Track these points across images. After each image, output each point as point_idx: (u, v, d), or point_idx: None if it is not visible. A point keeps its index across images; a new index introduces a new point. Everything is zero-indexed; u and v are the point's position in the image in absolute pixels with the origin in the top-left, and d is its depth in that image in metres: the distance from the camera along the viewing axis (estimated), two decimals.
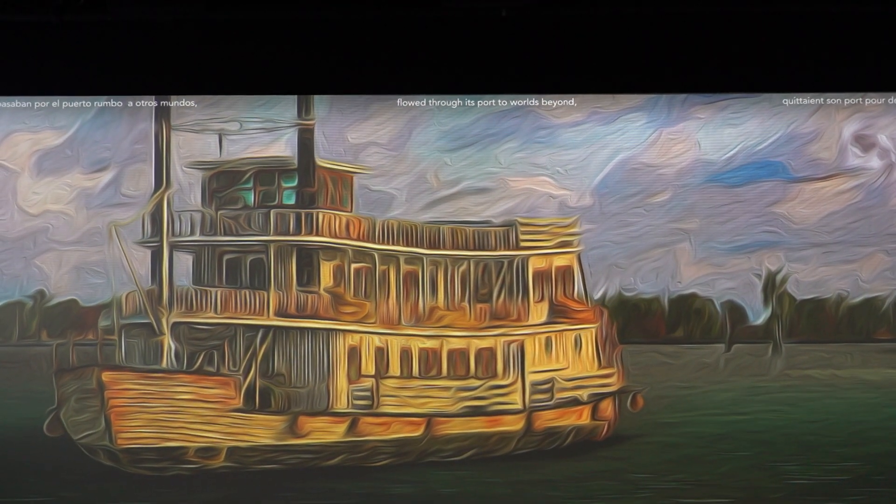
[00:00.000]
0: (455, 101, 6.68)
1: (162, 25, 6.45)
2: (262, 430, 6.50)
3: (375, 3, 6.27)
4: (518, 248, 6.81)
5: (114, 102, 6.65)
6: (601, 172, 6.70)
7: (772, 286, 6.60)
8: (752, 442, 6.54)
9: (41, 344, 6.58)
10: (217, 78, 6.56)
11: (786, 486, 6.46)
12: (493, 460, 6.63)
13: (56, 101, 6.64)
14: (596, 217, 6.68)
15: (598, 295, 6.69)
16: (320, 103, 6.65)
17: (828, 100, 6.62)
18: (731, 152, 6.65)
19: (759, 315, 6.61)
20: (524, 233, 6.79)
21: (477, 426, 6.67)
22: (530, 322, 6.84)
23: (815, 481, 6.46)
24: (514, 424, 6.71)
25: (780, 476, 6.48)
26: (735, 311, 6.62)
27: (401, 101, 6.67)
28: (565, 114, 6.68)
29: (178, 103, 6.64)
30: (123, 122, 6.68)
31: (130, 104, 6.65)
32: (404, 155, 6.71)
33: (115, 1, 6.15)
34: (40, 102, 6.65)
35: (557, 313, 6.86)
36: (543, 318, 6.86)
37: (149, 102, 6.64)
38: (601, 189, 6.69)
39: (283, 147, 6.68)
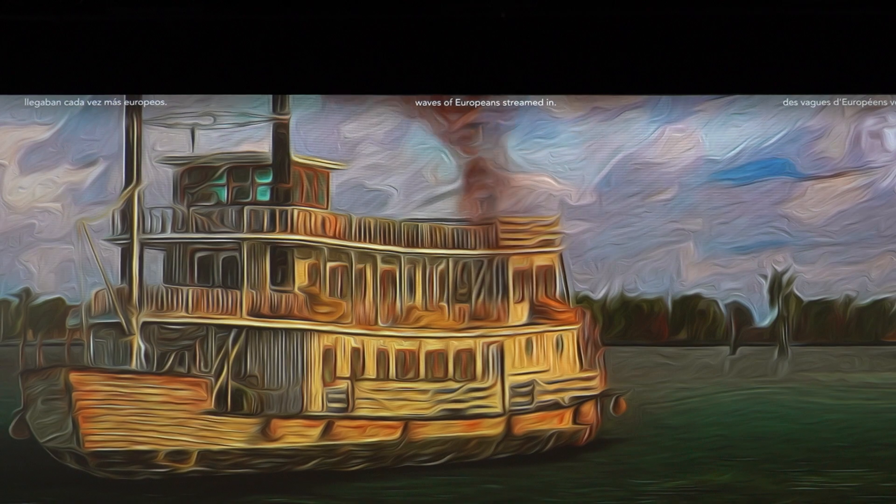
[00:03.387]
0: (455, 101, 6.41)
1: (158, 25, 6.19)
2: (234, 434, 6.17)
3: (376, 6, 6.04)
4: (498, 246, 6.49)
5: (115, 101, 6.36)
6: (603, 170, 6.40)
7: (778, 287, 6.30)
8: (757, 446, 6.25)
9: (28, 344, 6.25)
10: (213, 77, 6.27)
11: (792, 493, 6.16)
12: (485, 465, 6.33)
13: (49, 101, 6.37)
14: (597, 216, 6.37)
15: (599, 295, 6.37)
16: (315, 100, 6.37)
17: (833, 101, 6.34)
18: (737, 150, 6.36)
19: (764, 317, 6.32)
20: (504, 231, 6.47)
21: (455, 430, 6.36)
22: (510, 323, 6.52)
23: (822, 488, 6.16)
24: (493, 428, 6.38)
25: (785, 482, 6.19)
26: (740, 313, 6.33)
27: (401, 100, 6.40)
28: (566, 111, 6.37)
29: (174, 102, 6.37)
30: (112, 117, 6.36)
31: (129, 102, 6.34)
32: (401, 152, 6.42)
33: (114, 2, 5.95)
34: (30, 101, 6.36)
35: (538, 314, 6.54)
36: (524, 319, 6.54)
37: (149, 101, 6.36)
38: (602, 187, 6.39)
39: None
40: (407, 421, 6.31)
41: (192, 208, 6.32)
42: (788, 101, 6.33)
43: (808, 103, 6.33)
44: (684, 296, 6.35)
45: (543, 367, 6.50)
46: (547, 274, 6.50)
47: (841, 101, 6.33)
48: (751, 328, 6.32)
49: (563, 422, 6.43)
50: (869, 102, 6.32)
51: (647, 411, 6.30)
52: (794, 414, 6.26)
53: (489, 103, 6.38)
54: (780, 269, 6.31)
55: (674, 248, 6.36)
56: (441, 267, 6.47)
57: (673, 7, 6.05)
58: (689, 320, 6.36)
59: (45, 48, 6.24)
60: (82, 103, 6.38)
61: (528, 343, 6.51)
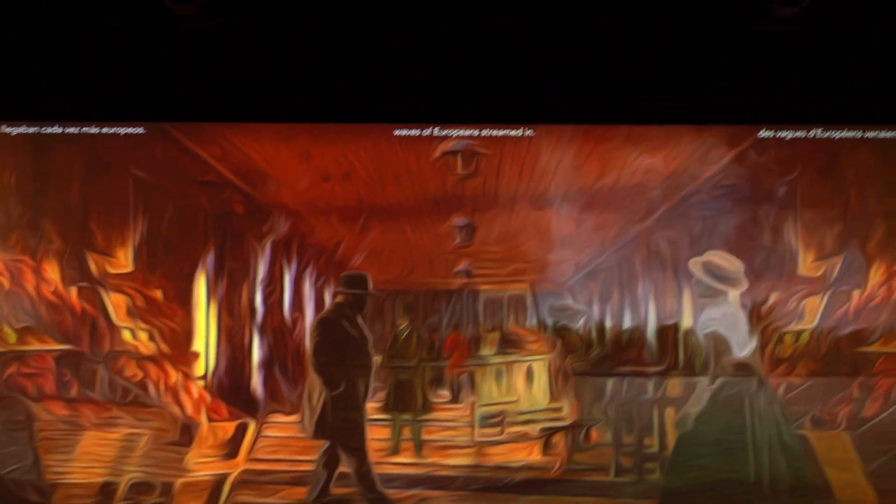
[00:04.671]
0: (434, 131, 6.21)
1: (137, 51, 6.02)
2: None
3: (354, 33, 5.93)
4: (469, 276, 6.30)
5: (93, 129, 6.14)
6: (582, 198, 6.21)
7: (757, 318, 6.08)
8: (736, 478, 5.97)
9: None
10: (193, 104, 6.08)
11: None
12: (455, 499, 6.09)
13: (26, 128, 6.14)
14: (575, 244, 6.18)
15: (577, 325, 6.19)
16: None
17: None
18: (715, 179, 6.17)
19: (743, 347, 6.09)
20: (476, 260, 6.27)
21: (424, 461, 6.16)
22: (480, 353, 6.30)
23: None
24: (462, 459, 6.16)
25: None
26: (719, 343, 6.10)
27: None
28: (545, 140, 6.17)
29: None
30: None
31: (106, 130, 6.13)
32: None
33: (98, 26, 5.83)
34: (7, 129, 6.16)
35: (509, 343, 6.32)
36: (494, 349, 6.32)
37: (127, 129, 6.14)
38: (582, 215, 6.21)
39: None
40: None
41: None
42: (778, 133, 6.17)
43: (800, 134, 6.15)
44: (663, 326, 6.14)
45: (513, 398, 6.28)
46: (518, 303, 6.30)
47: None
48: (730, 359, 6.09)
49: (532, 454, 6.20)
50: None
51: (623, 442, 6.09)
52: (774, 445, 5.97)
53: (468, 133, 6.18)
54: (759, 298, 6.09)
55: (654, 277, 6.17)
56: (409, 297, 6.29)
57: (652, 39, 5.92)
58: (667, 350, 6.15)
59: (23, 73, 6.05)
60: (60, 130, 6.16)
61: (499, 373, 6.30)
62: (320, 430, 6.06)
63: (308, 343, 6.12)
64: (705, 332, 6.02)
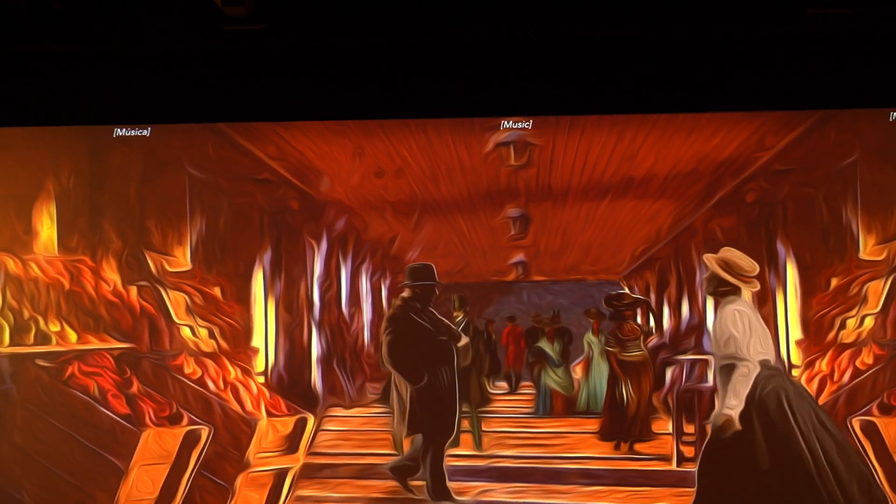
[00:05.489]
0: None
1: (191, 56, 5.96)
2: None
3: (404, 30, 5.77)
4: (524, 268, 6.17)
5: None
6: None
7: (819, 303, 5.94)
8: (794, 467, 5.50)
9: None
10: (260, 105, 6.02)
11: None
12: None
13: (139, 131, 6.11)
14: (629, 231, 6.07)
15: (635, 313, 6.03)
16: None
17: None
18: (769, 160, 6.00)
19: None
20: (530, 251, 6.13)
21: None
22: (538, 344, 6.24)
23: None
24: (522, 451, 6.03)
25: None
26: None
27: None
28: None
29: None
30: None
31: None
32: None
33: (151, 31, 5.70)
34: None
35: (566, 334, 6.23)
36: (551, 340, 6.22)
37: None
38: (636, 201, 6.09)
39: None
40: None
41: None
42: None
43: None
44: None
45: (573, 388, 6.18)
46: (574, 293, 6.18)
47: None
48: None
49: (592, 444, 6.03)
50: None
51: (684, 431, 5.95)
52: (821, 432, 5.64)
53: (520, 125, 6.05)
54: (819, 284, 5.94)
55: None
56: (465, 290, 6.18)
57: (702, 26, 5.75)
58: None
59: (79, 78, 6.00)
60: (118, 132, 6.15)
61: (557, 363, 6.19)
62: (412, 426, 5.94)
63: (382, 343, 5.99)
64: (723, 331, 5.69)
